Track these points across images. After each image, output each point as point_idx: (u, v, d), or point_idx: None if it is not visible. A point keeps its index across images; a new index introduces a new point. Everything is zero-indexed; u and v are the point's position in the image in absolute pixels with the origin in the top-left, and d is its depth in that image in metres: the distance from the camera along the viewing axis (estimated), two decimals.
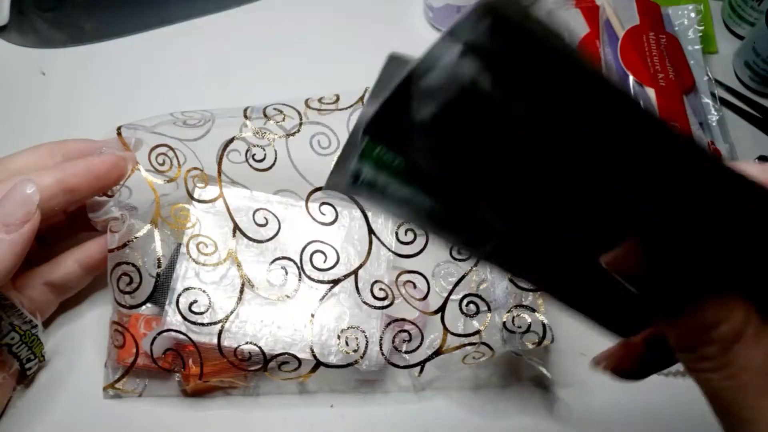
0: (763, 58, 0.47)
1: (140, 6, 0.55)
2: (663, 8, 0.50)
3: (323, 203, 0.37)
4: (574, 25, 0.50)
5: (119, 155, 0.36)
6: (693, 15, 0.50)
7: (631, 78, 0.45)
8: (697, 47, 0.49)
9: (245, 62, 0.52)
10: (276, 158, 0.37)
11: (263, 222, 0.38)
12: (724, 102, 0.49)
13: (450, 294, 0.36)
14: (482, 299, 0.36)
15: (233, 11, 0.55)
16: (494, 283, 0.36)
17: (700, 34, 0.49)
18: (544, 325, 0.35)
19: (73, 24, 0.54)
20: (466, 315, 0.36)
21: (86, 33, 0.54)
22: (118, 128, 0.37)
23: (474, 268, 0.37)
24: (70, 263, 0.38)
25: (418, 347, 0.37)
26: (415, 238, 0.36)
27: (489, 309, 0.36)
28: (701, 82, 0.47)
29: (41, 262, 0.38)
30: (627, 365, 0.26)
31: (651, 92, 0.45)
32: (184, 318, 0.36)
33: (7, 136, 0.48)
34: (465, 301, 0.36)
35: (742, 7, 0.51)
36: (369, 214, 0.37)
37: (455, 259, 0.37)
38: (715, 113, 0.46)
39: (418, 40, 0.54)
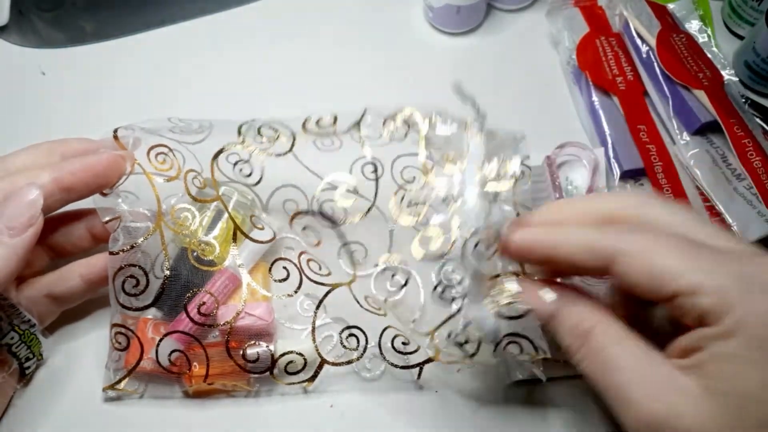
0: (763, 58, 0.47)
1: (140, 6, 0.55)
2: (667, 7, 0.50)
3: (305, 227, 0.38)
4: (574, 24, 0.50)
5: (117, 153, 0.36)
6: (689, 6, 0.50)
7: (679, 86, 0.45)
8: (704, 40, 0.49)
9: (245, 62, 0.52)
10: (262, 176, 0.38)
11: (260, 225, 0.38)
12: None
13: (435, 330, 0.35)
14: (470, 339, 0.34)
15: (233, 11, 0.55)
16: (480, 322, 0.33)
17: (701, 23, 0.49)
18: (535, 346, 0.34)
19: (73, 24, 0.55)
20: (457, 344, 0.34)
21: (86, 33, 0.54)
22: (115, 130, 0.37)
23: (457, 314, 0.34)
24: (74, 277, 0.37)
25: (417, 350, 0.37)
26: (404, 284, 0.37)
27: (479, 343, 0.34)
28: (725, 74, 0.47)
29: (46, 272, 0.37)
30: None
31: (702, 95, 0.44)
32: (192, 320, 0.36)
33: (7, 136, 0.48)
34: (452, 335, 0.35)
35: (742, 7, 0.51)
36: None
37: (441, 299, 0.35)
38: (743, 101, 0.46)
39: (418, 40, 0.54)
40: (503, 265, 0.33)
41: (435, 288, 0.34)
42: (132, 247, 0.36)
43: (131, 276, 0.36)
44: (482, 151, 0.35)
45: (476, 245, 0.32)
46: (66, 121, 0.49)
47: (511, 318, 0.32)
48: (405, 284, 0.36)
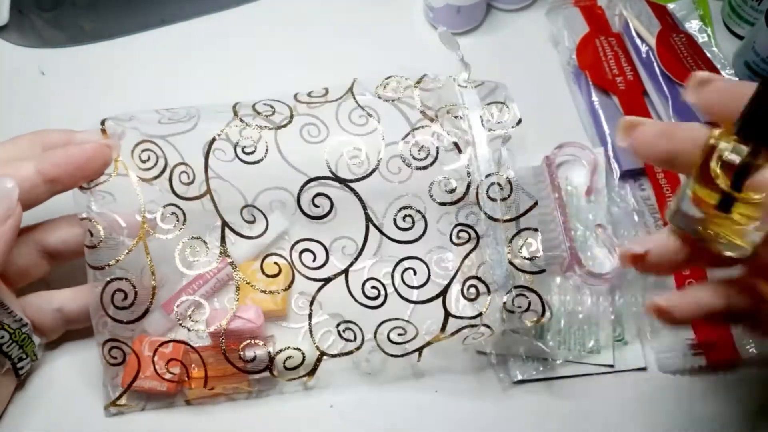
0: (763, 58, 0.47)
1: (140, 6, 0.55)
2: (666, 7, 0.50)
3: (317, 195, 0.36)
4: (574, 24, 0.50)
5: (102, 143, 0.35)
6: (689, 6, 0.50)
7: (679, 86, 0.45)
8: (704, 40, 0.49)
9: (245, 62, 0.52)
10: (267, 150, 0.37)
11: (251, 219, 0.38)
12: None
13: (452, 280, 0.36)
14: (482, 281, 0.36)
15: (233, 11, 0.55)
16: (493, 265, 0.36)
17: (701, 23, 0.49)
18: (543, 303, 0.35)
19: (73, 24, 0.55)
20: (467, 299, 0.35)
21: (86, 33, 0.54)
22: (103, 121, 0.36)
23: (472, 252, 0.36)
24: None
25: (415, 337, 0.37)
26: (413, 224, 0.36)
27: (489, 291, 0.35)
28: (725, 74, 0.47)
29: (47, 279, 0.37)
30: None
31: None
32: (184, 327, 0.36)
33: (6, 136, 0.48)
34: (466, 285, 0.36)
35: (742, 7, 0.51)
36: (366, 203, 0.36)
37: (454, 243, 0.36)
38: None
39: (418, 40, 0.54)
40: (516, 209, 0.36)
41: (451, 234, 0.36)
42: (117, 261, 0.35)
43: (119, 290, 0.35)
44: (477, 100, 0.38)
45: (488, 189, 0.35)
46: (65, 121, 0.48)
47: (525, 271, 0.35)
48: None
